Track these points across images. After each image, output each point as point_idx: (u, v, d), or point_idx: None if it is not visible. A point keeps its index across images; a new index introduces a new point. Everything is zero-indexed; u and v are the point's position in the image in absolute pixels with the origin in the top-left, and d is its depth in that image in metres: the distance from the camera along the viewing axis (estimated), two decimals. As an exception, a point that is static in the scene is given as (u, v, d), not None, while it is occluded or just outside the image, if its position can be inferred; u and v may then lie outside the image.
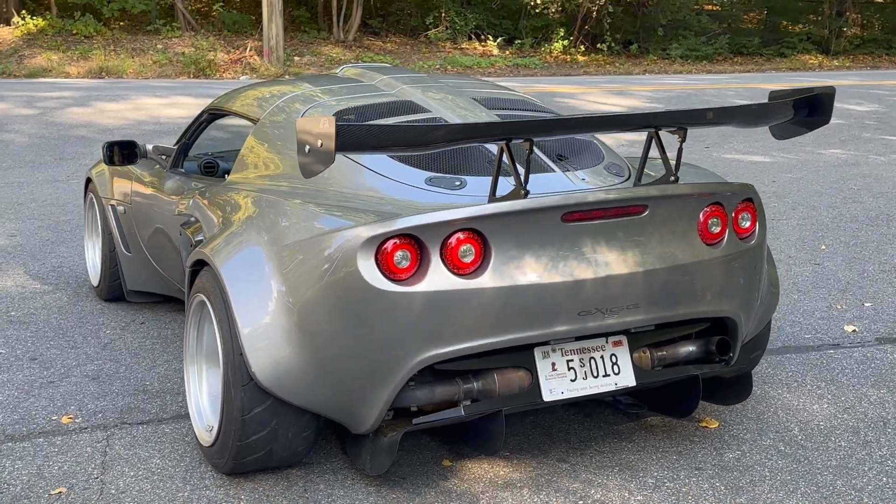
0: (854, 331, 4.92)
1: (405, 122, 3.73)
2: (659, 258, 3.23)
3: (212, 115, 4.59)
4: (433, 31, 23.43)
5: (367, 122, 3.60)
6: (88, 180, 5.48)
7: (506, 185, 3.22)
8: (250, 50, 20.01)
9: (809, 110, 3.52)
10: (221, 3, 22.41)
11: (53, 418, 3.76)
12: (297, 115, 3.88)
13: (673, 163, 3.41)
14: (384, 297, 2.92)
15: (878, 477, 3.34)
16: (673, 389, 3.54)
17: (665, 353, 3.52)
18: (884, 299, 5.47)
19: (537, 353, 3.22)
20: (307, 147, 2.78)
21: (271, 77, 18.61)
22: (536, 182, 3.45)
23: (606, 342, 3.34)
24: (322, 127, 2.71)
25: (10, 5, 20.34)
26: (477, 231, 2.97)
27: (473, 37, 23.62)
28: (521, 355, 3.21)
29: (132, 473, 3.31)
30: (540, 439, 3.63)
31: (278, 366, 3.06)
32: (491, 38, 23.43)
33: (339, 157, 3.40)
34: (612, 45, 23.98)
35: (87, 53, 18.92)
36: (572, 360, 3.28)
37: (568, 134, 3.55)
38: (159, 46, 19.90)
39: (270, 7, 19.44)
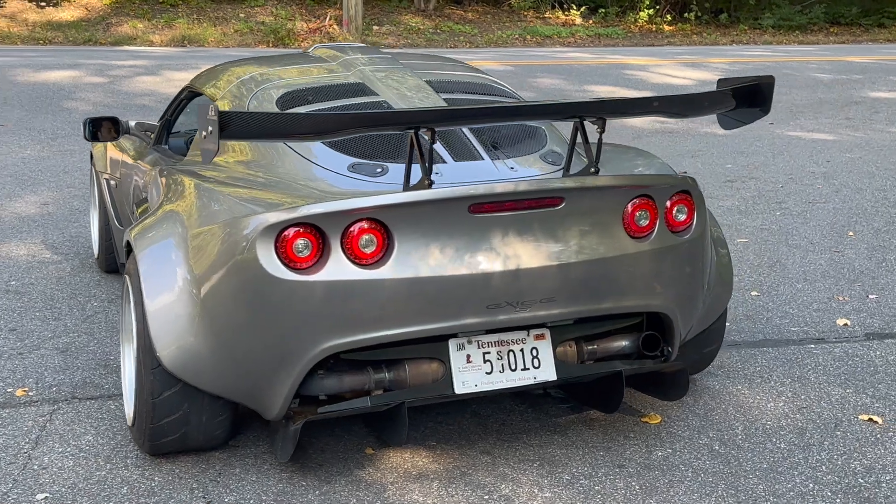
0: (846, 324, 4.73)
1: (345, 105, 3.72)
2: (577, 251, 3.15)
3: (190, 92, 4.65)
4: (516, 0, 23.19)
5: (290, 110, 3.61)
6: (91, 154, 5.62)
7: (419, 171, 3.21)
8: (330, 19, 20.13)
9: (750, 101, 3.39)
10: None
11: (9, 390, 3.89)
12: (248, 97, 3.90)
13: (612, 152, 3.33)
14: (283, 286, 2.93)
15: (804, 482, 3.23)
16: (603, 384, 3.47)
17: (596, 347, 3.46)
18: (891, 291, 5.24)
19: (452, 344, 3.19)
20: (203, 133, 2.82)
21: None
22: (460, 169, 3.42)
23: (528, 335, 3.28)
24: (210, 114, 2.75)
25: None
26: (379, 221, 2.95)
27: (557, 5, 23.31)
28: (434, 346, 3.19)
29: (60, 450, 3.41)
30: (473, 429, 3.61)
31: (184, 351, 3.10)
32: (574, 6, 23.08)
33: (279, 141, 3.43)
34: (700, 13, 23.37)
35: (171, 22, 19.32)
36: (489, 353, 3.24)
37: (472, 123, 3.47)
38: (241, 15, 20.18)
39: (350, -24, 19.50)
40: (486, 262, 3.05)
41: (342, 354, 3.10)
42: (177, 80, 13.09)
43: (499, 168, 3.46)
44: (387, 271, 2.97)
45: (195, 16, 19.83)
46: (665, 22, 23.09)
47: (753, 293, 5.21)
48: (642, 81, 14.04)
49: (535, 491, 3.17)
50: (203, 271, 3.09)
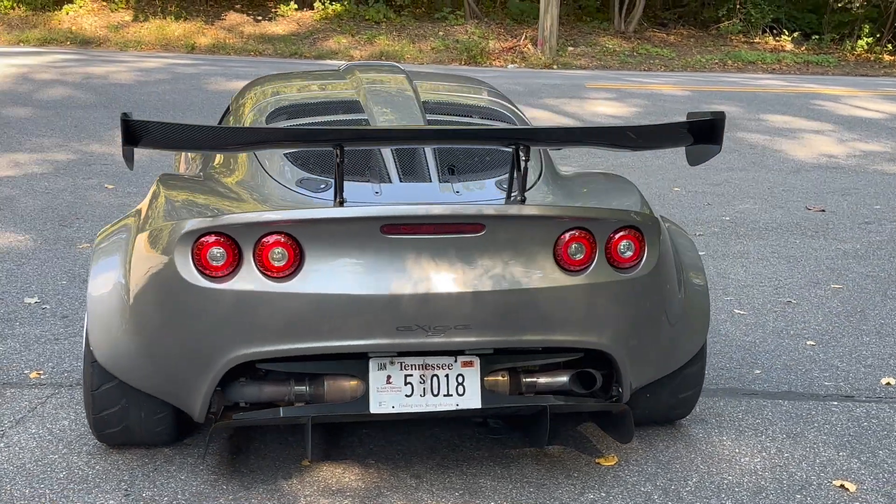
0: (888, 384, 4.37)
1: (325, 121, 3.81)
2: (496, 280, 3.10)
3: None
4: (725, 23, 22.54)
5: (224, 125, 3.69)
6: None
7: (363, 191, 3.27)
8: (525, 39, 20.31)
9: (706, 137, 3.22)
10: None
11: (25, 371, 4.23)
12: (252, 110, 4.06)
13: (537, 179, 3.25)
14: (197, 293, 3.05)
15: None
16: (538, 418, 3.38)
17: (536, 380, 3.39)
18: (966, 352, 4.78)
19: (372, 363, 3.22)
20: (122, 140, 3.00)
21: (539, 66, 18.82)
22: (402, 189, 3.45)
23: (455, 361, 3.27)
24: (121, 123, 2.92)
25: (314, -9, 21.97)
26: (292, 236, 3.02)
27: (768, 30, 22.46)
28: (356, 364, 3.23)
29: (33, 431, 3.68)
30: (419, 451, 3.61)
31: (114, 348, 3.27)
32: (786, 32, 22.16)
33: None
34: (926, 43, 21.88)
35: (373, 38, 20.08)
36: (412, 376, 3.24)
37: (386, 145, 3.48)
38: (440, 33, 20.70)
39: (548, -3, 19.60)
40: (397, 283, 3.05)
41: (260, 364, 3.19)
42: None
43: (442, 191, 3.45)
44: (296, 285, 3.03)
45: (396, 33, 20.50)
46: (885, 51, 21.75)
47: (809, 342, 4.89)
48: (825, 112, 13.32)
49: (440, 518, 3.15)
50: (134, 273, 3.26)
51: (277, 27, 20.89)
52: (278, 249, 3.02)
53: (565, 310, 3.19)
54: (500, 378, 3.34)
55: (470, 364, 3.27)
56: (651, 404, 3.69)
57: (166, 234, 3.13)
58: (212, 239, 3.02)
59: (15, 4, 20.58)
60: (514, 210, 3.14)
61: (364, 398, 3.21)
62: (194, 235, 3.03)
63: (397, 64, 4.78)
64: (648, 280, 3.30)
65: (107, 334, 3.28)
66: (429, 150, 3.60)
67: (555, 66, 19.03)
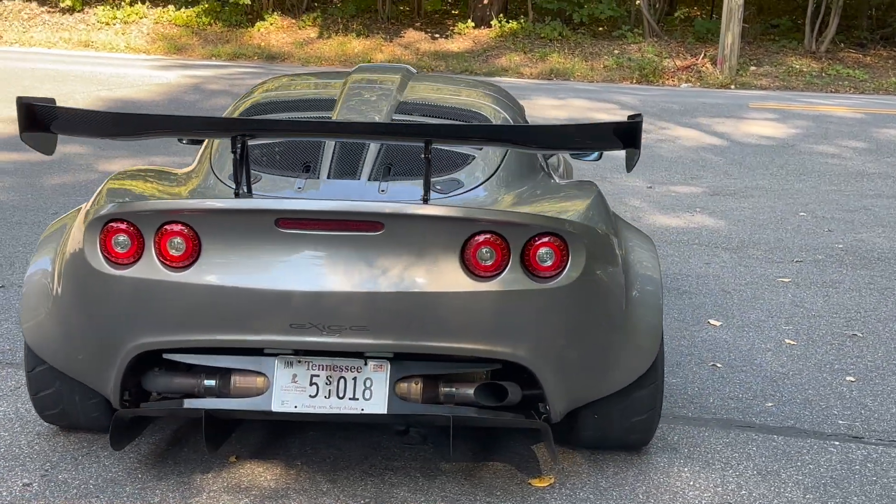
0: (913, 428, 3.90)
1: (292, 117, 3.79)
2: (395, 282, 2.99)
3: None
4: (929, 44, 21.02)
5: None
6: None
7: (287, 185, 3.24)
8: (704, 57, 19.65)
9: (626, 141, 2.98)
10: (686, 10, 22.27)
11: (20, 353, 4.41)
12: (237, 103, 4.10)
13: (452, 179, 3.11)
14: (102, 280, 3.09)
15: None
16: (455, 429, 3.21)
17: (455, 390, 3.23)
18: None
19: (279, 361, 3.17)
20: None
21: (715, 86, 18.17)
22: (326, 186, 3.42)
23: (365, 364, 3.16)
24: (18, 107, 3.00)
25: (492, 9, 22.09)
26: (191, 226, 3.02)
27: (977, 52, 20.77)
28: (264, 361, 3.18)
29: (3, 409, 3.83)
30: (354, 456, 3.52)
31: (40, 331, 3.35)
32: None
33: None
34: None
35: (545, 56, 19.98)
36: (318, 376, 3.17)
37: (290, 137, 3.42)
38: (615, 52, 20.35)
39: (729, 14, 18.91)
40: (290, 279, 2.99)
41: (168, 355, 3.19)
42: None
43: (368, 189, 3.35)
44: (191, 276, 3.02)
45: (569, 51, 20.32)
46: None
47: (849, 378, 4.45)
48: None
49: (328, 525, 3.05)
50: (59, 260, 3.34)
51: (453, 44, 21.15)
52: (177, 239, 3.01)
53: (473, 317, 3.03)
54: (414, 385, 3.20)
55: (380, 368, 3.15)
56: (601, 426, 3.45)
57: (82, 222, 3.19)
58: (117, 226, 3.05)
59: (213, 21, 21.80)
60: (412, 210, 3.01)
61: (268, 395, 3.16)
62: (101, 222, 3.07)
63: (409, 66, 4.71)
64: (573, 291, 3.08)
65: (35, 318, 3.37)
66: (372, 149, 3.52)
67: (732, 86, 18.31)
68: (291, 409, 3.15)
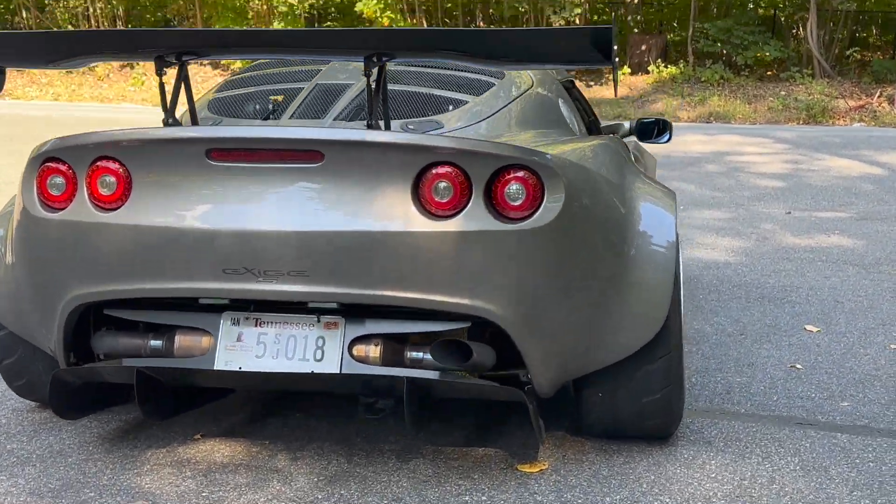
0: None
1: (275, 89, 3.51)
2: (336, 220, 2.60)
3: None
4: None
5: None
6: None
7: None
8: (880, 96, 18.40)
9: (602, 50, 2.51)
10: (860, 51, 21.06)
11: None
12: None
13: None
14: (37, 225, 2.84)
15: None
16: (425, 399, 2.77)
17: (424, 354, 2.79)
18: None
19: (225, 318, 2.83)
20: None
21: (891, 125, 16.92)
22: (287, 126, 3.06)
23: (317, 322, 2.78)
24: None
25: (650, 55, 21.52)
26: (122, 161, 2.73)
27: None
28: (209, 318, 2.85)
29: (-8, 383, 3.65)
30: (332, 433, 3.13)
31: None
32: None
33: None
34: None
35: (705, 100, 19.20)
36: (266, 335, 2.81)
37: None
38: (782, 93, 19.35)
39: (905, 50, 17.69)
40: (221, 217, 2.65)
41: (108, 311, 2.90)
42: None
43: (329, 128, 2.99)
44: (121, 216, 2.72)
45: (731, 93, 19.47)
46: None
47: (958, 381, 3.71)
48: None
49: (283, 492, 2.65)
50: (12, 211, 3.12)
51: (608, 91, 20.67)
52: (108, 176, 2.73)
53: (429, 263, 2.59)
54: (374, 347, 2.77)
55: (333, 326, 2.76)
56: (609, 408, 2.93)
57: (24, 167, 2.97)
58: (54, 166, 2.80)
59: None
60: (355, 136, 2.61)
61: (211, 355, 2.81)
62: (36, 163, 2.82)
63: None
64: (550, 235, 2.61)
65: None
66: (348, 94, 3.17)
67: (909, 126, 17.02)
68: (235, 369, 2.78)
